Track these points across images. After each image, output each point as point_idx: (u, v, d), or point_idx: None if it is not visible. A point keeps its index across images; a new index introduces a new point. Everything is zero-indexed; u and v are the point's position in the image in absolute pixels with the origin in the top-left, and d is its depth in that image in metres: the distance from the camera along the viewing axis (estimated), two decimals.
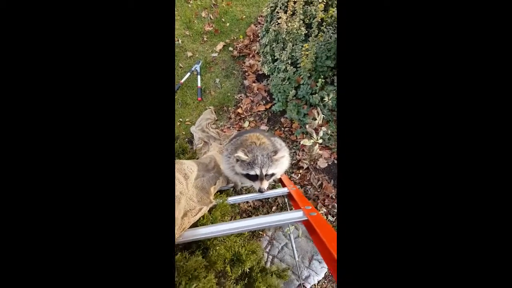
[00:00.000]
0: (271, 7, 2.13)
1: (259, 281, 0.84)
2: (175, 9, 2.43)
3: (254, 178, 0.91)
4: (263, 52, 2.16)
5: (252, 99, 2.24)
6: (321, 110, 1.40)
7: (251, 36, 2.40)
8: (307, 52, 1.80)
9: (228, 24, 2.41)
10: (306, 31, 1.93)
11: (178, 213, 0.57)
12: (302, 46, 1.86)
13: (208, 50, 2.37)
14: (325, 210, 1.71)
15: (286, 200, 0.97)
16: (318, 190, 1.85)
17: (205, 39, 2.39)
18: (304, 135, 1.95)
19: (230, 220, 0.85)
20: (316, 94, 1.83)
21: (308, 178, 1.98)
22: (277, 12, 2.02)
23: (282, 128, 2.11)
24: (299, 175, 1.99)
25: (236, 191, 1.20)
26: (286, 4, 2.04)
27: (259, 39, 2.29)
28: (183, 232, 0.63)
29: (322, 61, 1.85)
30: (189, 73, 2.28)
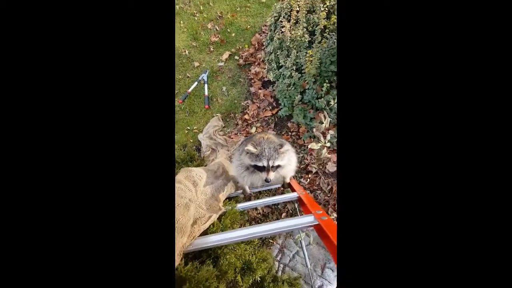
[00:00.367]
0: (275, 16, 2.16)
1: None
2: (182, 22, 2.51)
3: (261, 169, 0.97)
4: (268, 59, 2.19)
5: (258, 105, 2.26)
6: (327, 113, 1.40)
7: (256, 45, 2.44)
8: (311, 58, 1.82)
9: (233, 34, 2.46)
10: (310, 38, 1.95)
11: (188, 220, 0.57)
12: (306, 52, 1.88)
13: (214, 59, 2.42)
14: (336, 215, 1.68)
15: (296, 205, 0.96)
16: (328, 195, 1.82)
17: (211, 49, 2.45)
18: (312, 139, 1.94)
19: (239, 228, 0.84)
20: (322, 98, 1.83)
21: (317, 183, 1.95)
22: (281, 21, 2.06)
23: (289, 133, 2.11)
24: (308, 179, 1.97)
25: (245, 197, 1.19)
26: (289, 13, 2.07)
27: (264, 48, 2.32)
28: (194, 240, 0.63)
29: (326, 66, 1.85)
30: (196, 82, 2.33)
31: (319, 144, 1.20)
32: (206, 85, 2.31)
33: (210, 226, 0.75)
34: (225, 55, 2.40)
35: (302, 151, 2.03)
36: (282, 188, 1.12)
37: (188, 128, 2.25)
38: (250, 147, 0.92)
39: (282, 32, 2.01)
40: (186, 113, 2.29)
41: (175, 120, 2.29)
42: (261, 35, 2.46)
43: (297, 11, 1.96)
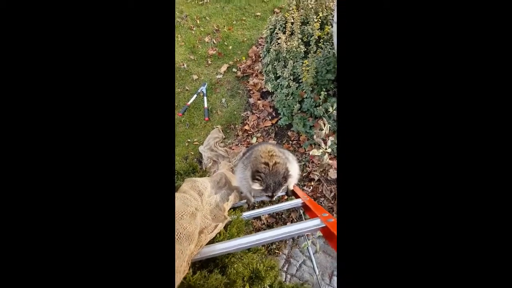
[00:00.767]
0: (270, 29, 2.24)
1: None
2: (180, 36, 2.58)
3: (266, 196, 1.02)
4: (265, 71, 2.24)
5: (258, 115, 2.28)
6: (326, 120, 1.42)
7: (253, 57, 2.50)
8: (307, 68, 1.86)
9: (230, 47, 2.53)
10: (305, 49, 2.00)
11: (195, 229, 0.57)
12: (302, 62, 1.93)
13: (212, 72, 2.47)
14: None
15: (301, 212, 0.95)
16: (332, 202, 1.81)
17: (209, 62, 2.50)
18: (312, 146, 1.95)
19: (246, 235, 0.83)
20: (320, 106, 1.86)
21: (320, 190, 1.94)
22: (276, 33, 2.12)
23: (290, 142, 2.12)
24: (311, 187, 1.97)
25: (249, 206, 1.19)
26: (284, 25, 2.15)
27: (261, 59, 2.38)
28: (201, 249, 0.63)
29: (322, 75, 1.90)
30: (195, 95, 2.37)
31: (320, 151, 1.21)
32: (205, 98, 2.35)
33: (216, 235, 0.74)
34: (223, 68, 2.45)
35: (303, 159, 2.04)
36: (286, 196, 1.12)
37: (189, 140, 2.26)
38: (256, 186, 0.97)
39: (278, 43, 2.07)
40: (186, 126, 2.31)
41: (175, 133, 2.30)
42: (257, 47, 2.52)
43: (292, 23, 2.03)
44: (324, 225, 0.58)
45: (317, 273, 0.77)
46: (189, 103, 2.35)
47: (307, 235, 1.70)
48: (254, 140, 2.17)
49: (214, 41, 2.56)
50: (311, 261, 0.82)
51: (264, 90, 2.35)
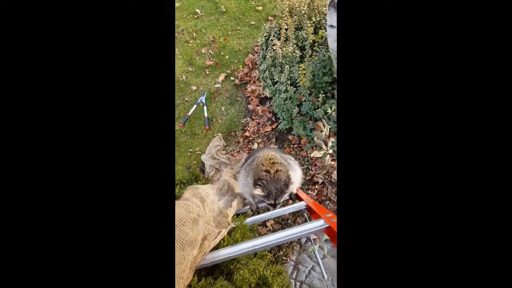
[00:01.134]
0: (265, 36, 2.27)
1: None
2: (177, 49, 2.63)
3: (269, 204, 1.03)
4: (263, 77, 2.26)
5: (258, 121, 2.29)
6: (326, 122, 1.42)
7: (250, 65, 2.54)
8: (304, 72, 1.88)
9: (227, 57, 2.57)
10: (301, 53, 2.03)
11: (197, 234, 0.56)
12: (298, 67, 1.95)
13: (211, 82, 2.50)
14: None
15: (306, 214, 0.94)
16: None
17: (207, 72, 2.54)
18: (313, 148, 1.94)
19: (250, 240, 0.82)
20: (319, 109, 1.87)
21: (325, 193, 1.92)
22: (271, 40, 2.16)
23: (291, 146, 2.12)
24: (316, 191, 1.95)
25: (253, 211, 1.18)
26: (278, 32, 2.18)
27: (258, 66, 2.41)
28: (205, 256, 0.62)
29: (319, 77, 1.91)
30: (195, 105, 2.39)
31: (322, 152, 1.21)
32: (205, 107, 2.37)
33: (220, 241, 0.73)
34: (221, 77, 2.49)
35: (306, 163, 2.03)
36: (290, 200, 1.11)
37: (191, 150, 2.27)
38: (258, 192, 0.98)
39: (273, 50, 2.10)
40: (187, 136, 2.32)
41: (177, 143, 2.31)
42: (254, 55, 2.56)
43: (286, 29, 2.07)
44: (327, 226, 0.57)
45: (326, 278, 0.75)
46: (189, 113, 2.37)
47: (313, 239, 1.67)
48: (255, 146, 2.17)
49: (211, 52, 2.61)
50: (319, 266, 0.80)
51: (262, 96, 2.37)
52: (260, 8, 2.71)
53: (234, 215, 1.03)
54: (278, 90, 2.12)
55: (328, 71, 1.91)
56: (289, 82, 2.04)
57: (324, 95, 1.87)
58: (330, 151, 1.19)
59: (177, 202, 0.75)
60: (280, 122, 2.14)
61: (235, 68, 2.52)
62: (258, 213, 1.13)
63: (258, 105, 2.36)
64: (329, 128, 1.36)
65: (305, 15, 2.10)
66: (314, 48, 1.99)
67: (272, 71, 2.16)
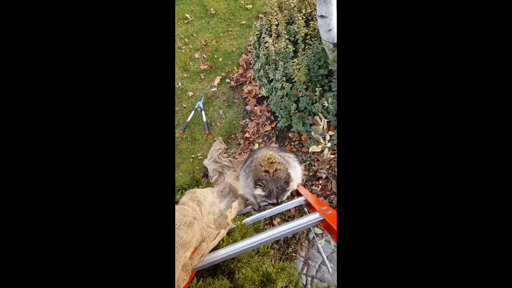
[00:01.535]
0: (257, 34, 2.27)
1: None
2: None
3: (271, 203, 1.03)
4: (258, 76, 2.26)
5: (257, 121, 2.29)
6: (324, 116, 1.41)
7: (244, 65, 2.54)
8: (298, 66, 1.87)
9: (221, 59, 2.58)
10: (294, 48, 2.01)
11: (192, 237, 0.56)
12: (292, 62, 1.93)
13: (207, 86, 2.51)
14: None
15: (306, 210, 0.94)
16: None
17: (202, 77, 2.55)
18: (313, 143, 1.93)
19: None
20: (317, 103, 1.85)
21: (330, 188, 1.91)
22: (263, 38, 2.15)
23: (292, 143, 2.11)
24: (320, 186, 1.93)
25: (256, 211, 1.17)
26: (269, 28, 2.17)
27: (252, 66, 2.41)
28: (203, 258, 0.62)
29: (315, 71, 1.90)
30: (193, 111, 2.40)
31: (320, 146, 1.20)
32: (203, 112, 2.38)
33: (220, 242, 0.73)
34: (217, 80, 2.50)
35: (308, 159, 2.02)
36: (294, 197, 1.11)
37: (193, 156, 2.28)
38: (259, 191, 0.99)
39: (266, 47, 2.10)
40: (188, 142, 2.34)
41: (179, 150, 2.33)
42: (247, 55, 2.56)
43: (277, 25, 2.06)
44: (322, 218, 0.57)
45: (331, 271, 0.74)
46: (188, 119, 2.38)
47: (320, 234, 1.65)
48: (256, 147, 2.17)
49: (204, 56, 2.62)
50: (323, 259, 0.79)
51: (259, 95, 2.37)
52: (250, 6, 2.71)
53: (236, 216, 1.03)
54: (275, 88, 2.11)
55: (323, 64, 1.89)
56: (284, 79, 2.03)
57: (320, 88, 1.86)
58: (329, 144, 1.17)
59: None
60: (279, 120, 2.13)
61: (230, 70, 2.53)
62: (260, 211, 1.13)
63: (256, 105, 2.36)
64: (327, 121, 1.35)
65: (295, 8, 2.09)
66: (307, 41, 1.97)
67: (266, 69, 2.15)
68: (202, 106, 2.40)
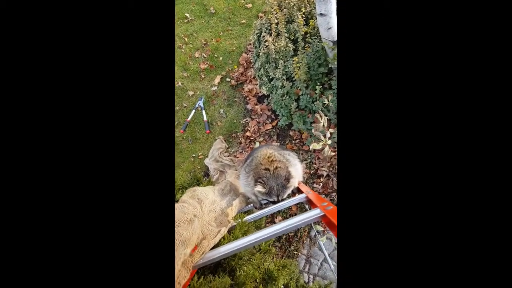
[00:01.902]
0: (257, 33, 2.26)
1: None
2: None
3: (272, 201, 1.04)
4: (258, 75, 2.26)
5: (257, 120, 2.29)
6: (324, 114, 1.40)
7: (245, 64, 2.53)
8: (298, 65, 1.86)
9: (221, 58, 2.58)
10: (294, 46, 2.01)
11: (192, 234, 0.56)
12: (292, 60, 1.93)
13: (207, 85, 2.51)
14: None
15: (307, 207, 0.93)
16: None
17: (202, 76, 2.56)
18: (313, 141, 1.93)
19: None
20: (317, 101, 1.85)
21: (331, 185, 1.90)
22: (263, 37, 2.15)
23: (293, 141, 2.11)
24: (321, 184, 1.93)
25: (257, 209, 1.18)
26: (269, 27, 2.17)
27: (253, 65, 2.40)
28: (204, 255, 0.62)
29: (315, 69, 1.89)
30: (194, 110, 2.41)
31: (321, 144, 1.19)
32: (203, 111, 2.39)
33: (221, 240, 0.73)
34: (217, 79, 2.50)
35: (309, 157, 2.01)
36: (292, 194, 1.11)
37: (194, 155, 2.28)
38: (259, 188, 0.99)
39: (266, 46, 2.09)
40: (189, 142, 2.34)
41: (180, 150, 2.33)
42: (247, 54, 2.56)
43: (277, 24, 2.05)
44: (322, 214, 0.57)
45: (333, 268, 0.74)
46: (188, 119, 2.39)
47: (321, 231, 1.65)
48: (257, 145, 2.17)
49: (204, 55, 2.62)
50: (325, 257, 0.79)
51: (260, 94, 2.37)
52: (250, 5, 2.71)
53: (237, 214, 1.03)
54: (275, 86, 2.10)
55: (323, 62, 1.88)
56: (285, 77, 2.02)
57: (321, 86, 1.85)
58: (329, 142, 1.17)
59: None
60: (280, 119, 2.13)
61: (230, 69, 2.53)
62: (262, 209, 1.13)
63: (256, 104, 2.36)
64: (328, 119, 1.35)
65: (294, 7, 2.08)
66: (307, 39, 1.97)
67: (267, 68, 2.15)
68: (202, 106, 2.41)
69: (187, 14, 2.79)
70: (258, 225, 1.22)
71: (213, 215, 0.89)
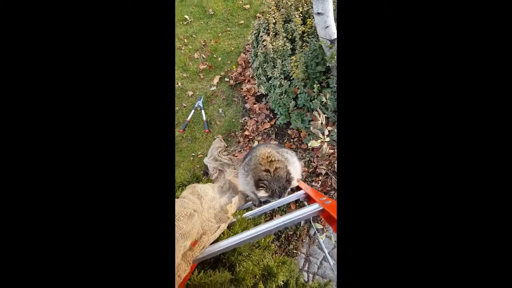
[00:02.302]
0: (255, 33, 2.28)
1: None
2: None
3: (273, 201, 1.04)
4: (256, 74, 2.27)
5: (256, 119, 2.30)
6: (322, 112, 1.41)
7: (243, 64, 2.54)
8: (296, 64, 1.87)
9: (220, 59, 2.59)
10: (291, 46, 2.02)
11: (192, 228, 0.57)
12: (290, 60, 1.94)
13: (206, 85, 2.52)
14: None
15: (306, 203, 0.94)
16: None
17: (201, 76, 2.56)
18: (311, 138, 1.94)
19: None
20: (315, 100, 1.86)
21: (330, 184, 1.91)
22: (261, 36, 2.16)
23: (291, 140, 2.12)
24: (320, 182, 1.93)
25: (256, 206, 1.18)
26: (267, 27, 2.18)
27: (251, 64, 2.41)
28: (204, 250, 0.63)
29: (313, 68, 1.90)
30: (193, 110, 2.41)
31: (319, 141, 1.20)
32: (202, 111, 2.39)
33: (220, 235, 0.74)
34: (216, 79, 2.50)
35: (307, 155, 2.02)
36: (290, 191, 1.12)
37: (193, 154, 2.29)
38: (262, 193, 1.00)
39: (264, 46, 2.10)
40: (188, 141, 2.34)
41: (179, 149, 2.34)
42: (246, 54, 2.57)
43: (274, 23, 2.06)
44: (321, 208, 0.57)
45: (332, 265, 0.75)
46: (188, 118, 2.39)
47: (321, 229, 1.66)
48: (255, 144, 2.18)
49: (203, 56, 2.63)
50: (325, 255, 0.79)
51: (258, 93, 2.37)
52: (248, 6, 2.72)
53: (236, 210, 1.03)
54: (273, 85, 2.11)
55: (320, 61, 1.89)
56: (282, 77, 2.03)
57: (318, 85, 1.86)
58: (327, 139, 1.18)
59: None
60: (278, 118, 2.14)
61: (229, 69, 2.54)
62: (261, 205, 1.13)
63: (255, 103, 2.36)
64: (326, 117, 1.36)
65: (292, 7, 2.09)
66: (304, 38, 1.98)
67: (265, 68, 2.16)
68: (201, 105, 2.41)
69: (186, 16, 2.80)
70: (257, 223, 1.23)
71: (212, 211, 0.90)
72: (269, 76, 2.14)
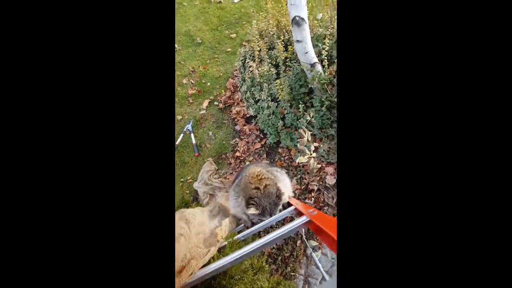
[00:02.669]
0: (241, 60, 2.40)
1: None
2: None
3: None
4: (245, 97, 2.35)
5: (247, 140, 2.33)
6: (308, 129, 1.46)
7: (232, 88, 2.63)
8: (281, 87, 1.97)
9: (209, 84, 2.67)
10: (276, 70, 2.13)
11: (178, 252, 0.55)
12: (276, 83, 2.04)
13: (195, 109, 2.57)
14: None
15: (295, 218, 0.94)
16: (337, 208, 1.77)
17: (190, 101, 2.62)
18: (300, 154, 1.96)
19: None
20: (301, 119, 1.92)
21: (322, 199, 1.91)
22: (247, 63, 2.27)
23: (282, 158, 2.14)
24: (313, 199, 1.93)
25: (248, 228, 1.16)
26: (253, 54, 2.31)
27: (239, 88, 2.50)
28: (193, 275, 0.61)
29: (297, 90, 2.00)
30: (182, 134, 2.43)
31: (306, 156, 1.23)
32: (192, 134, 2.41)
33: (210, 259, 0.72)
34: (205, 103, 2.56)
35: (298, 172, 2.04)
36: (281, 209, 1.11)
37: (182, 180, 2.26)
38: (252, 211, 1.00)
39: (251, 71, 2.21)
40: (177, 165, 2.32)
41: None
42: (234, 79, 2.67)
43: (259, 51, 2.19)
44: (308, 219, 0.58)
45: (327, 278, 0.73)
46: (177, 142, 2.40)
47: (317, 246, 1.62)
48: (247, 164, 2.18)
49: (192, 81, 2.71)
50: (320, 271, 0.78)
51: (247, 115, 2.43)
52: (234, 35, 2.88)
53: (228, 233, 1.01)
54: (261, 107, 2.18)
55: (303, 83, 2.00)
56: (270, 99, 2.12)
57: (303, 105, 1.94)
58: (314, 154, 1.21)
59: None
60: (268, 137, 2.18)
61: (218, 93, 2.62)
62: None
63: (244, 125, 2.41)
64: (311, 134, 1.40)
65: (274, 36, 2.24)
66: (287, 63, 2.10)
67: (252, 91, 2.24)
68: (191, 129, 2.44)
69: (175, 45, 2.93)
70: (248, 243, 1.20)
71: (202, 236, 0.88)
72: (257, 99, 2.22)
